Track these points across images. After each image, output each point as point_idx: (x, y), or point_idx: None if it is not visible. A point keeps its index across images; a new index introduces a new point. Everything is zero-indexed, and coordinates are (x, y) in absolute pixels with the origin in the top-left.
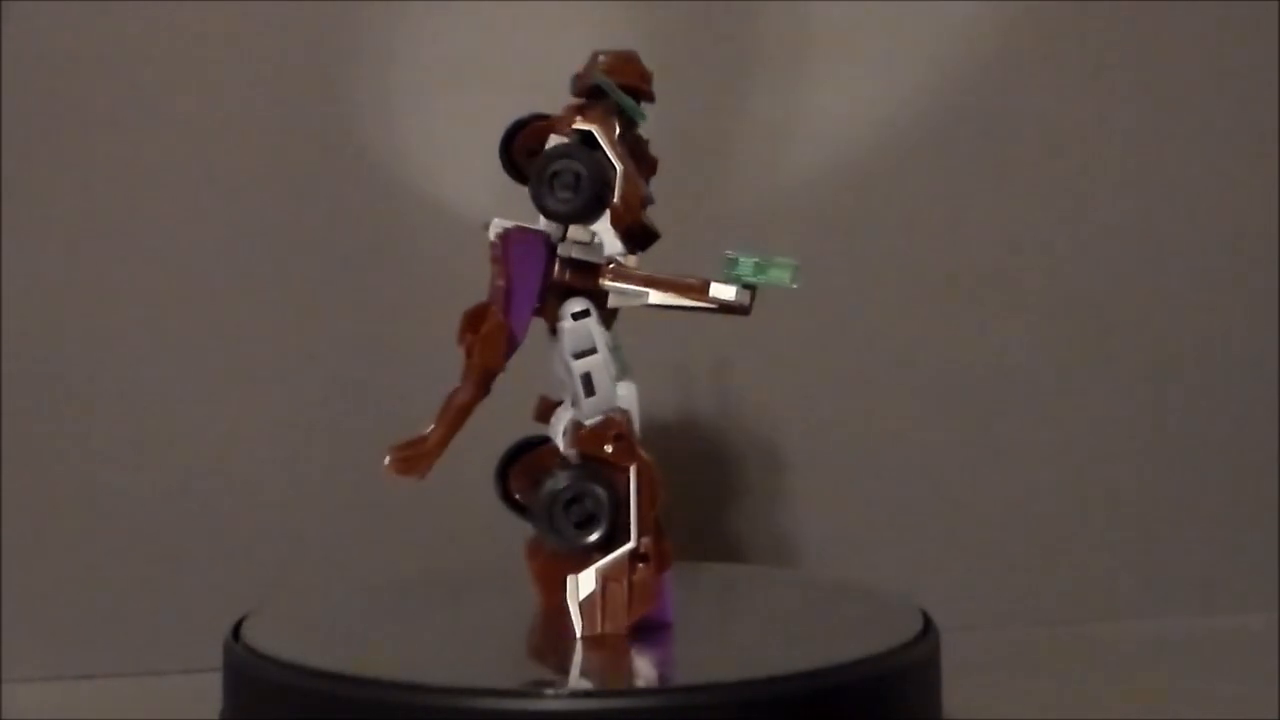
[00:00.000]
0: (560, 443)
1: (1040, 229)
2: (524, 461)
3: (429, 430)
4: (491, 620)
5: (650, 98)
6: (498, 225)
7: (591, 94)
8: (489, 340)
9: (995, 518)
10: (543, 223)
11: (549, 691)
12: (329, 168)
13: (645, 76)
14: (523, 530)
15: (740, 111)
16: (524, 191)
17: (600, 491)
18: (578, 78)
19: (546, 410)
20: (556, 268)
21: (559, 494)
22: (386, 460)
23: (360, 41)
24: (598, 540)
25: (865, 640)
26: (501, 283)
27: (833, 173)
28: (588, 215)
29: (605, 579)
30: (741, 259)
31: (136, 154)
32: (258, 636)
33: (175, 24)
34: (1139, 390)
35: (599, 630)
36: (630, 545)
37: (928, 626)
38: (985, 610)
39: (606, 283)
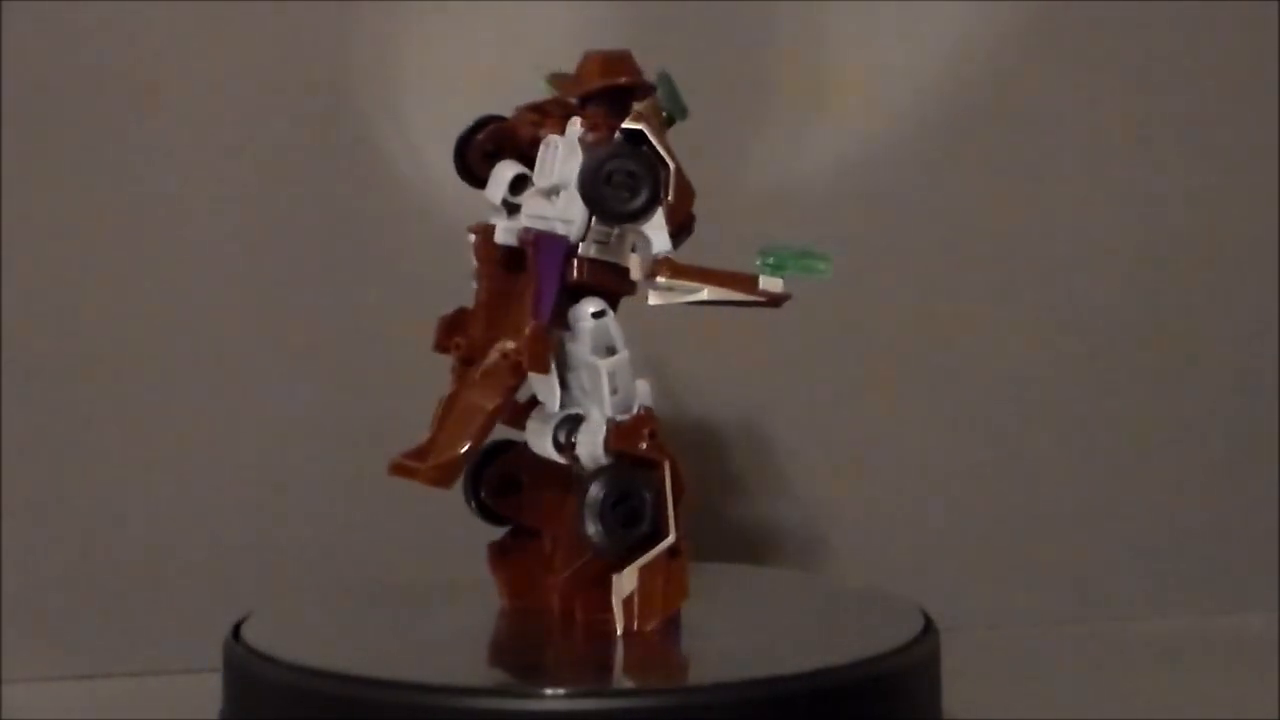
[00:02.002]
0: (546, 448)
1: (1043, 230)
2: (496, 465)
3: (442, 436)
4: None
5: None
6: (511, 227)
7: (590, 97)
8: (536, 344)
9: (996, 518)
10: (525, 220)
11: (549, 691)
12: (330, 169)
13: (641, 75)
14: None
15: (740, 111)
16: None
17: (644, 489)
18: (572, 81)
19: (516, 413)
20: (575, 268)
21: (608, 495)
22: (396, 468)
23: (362, 42)
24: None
25: (865, 640)
26: (534, 285)
27: (837, 173)
28: (645, 214)
29: (645, 576)
30: (785, 252)
31: (135, 155)
32: (258, 636)
33: (176, 24)
34: (1139, 390)
35: (635, 627)
36: (670, 541)
37: (928, 626)
38: (985, 610)
39: (662, 279)
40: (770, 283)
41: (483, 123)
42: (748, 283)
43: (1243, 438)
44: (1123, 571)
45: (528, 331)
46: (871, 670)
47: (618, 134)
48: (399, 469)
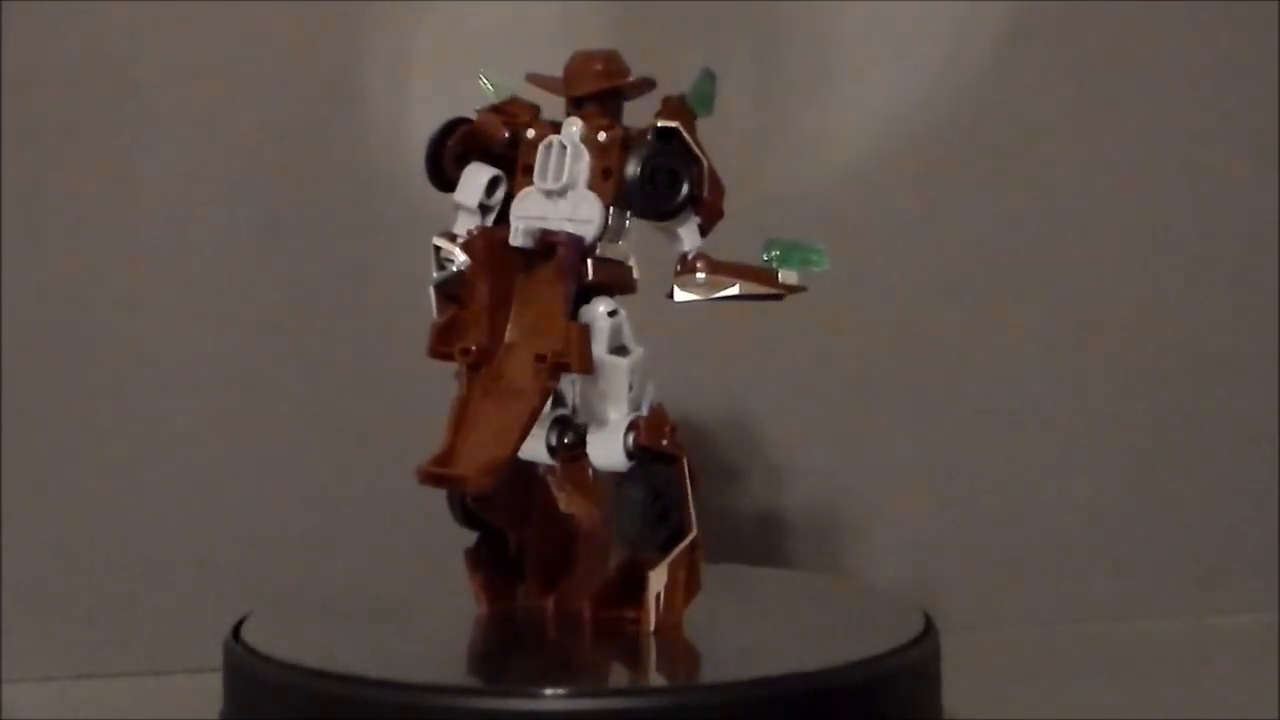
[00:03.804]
0: (537, 450)
1: (1044, 231)
2: None
3: (472, 441)
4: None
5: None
6: (529, 230)
7: (586, 98)
8: (583, 345)
9: (996, 518)
10: (517, 221)
11: (549, 691)
12: (332, 170)
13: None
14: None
15: (741, 111)
16: None
17: (671, 485)
18: (565, 82)
19: None
20: (590, 268)
21: (647, 494)
22: (427, 476)
23: (365, 41)
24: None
25: (865, 640)
26: (564, 285)
27: (836, 174)
28: (683, 210)
29: (670, 571)
30: (786, 245)
31: (135, 155)
32: (258, 636)
33: (176, 24)
34: (1139, 390)
35: (661, 622)
36: (693, 535)
37: (928, 626)
38: (985, 610)
39: (700, 275)
40: (788, 275)
41: (452, 126)
42: (771, 277)
43: (1243, 438)
44: (1123, 571)
45: (573, 333)
46: (871, 670)
47: (650, 133)
48: (431, 477)
